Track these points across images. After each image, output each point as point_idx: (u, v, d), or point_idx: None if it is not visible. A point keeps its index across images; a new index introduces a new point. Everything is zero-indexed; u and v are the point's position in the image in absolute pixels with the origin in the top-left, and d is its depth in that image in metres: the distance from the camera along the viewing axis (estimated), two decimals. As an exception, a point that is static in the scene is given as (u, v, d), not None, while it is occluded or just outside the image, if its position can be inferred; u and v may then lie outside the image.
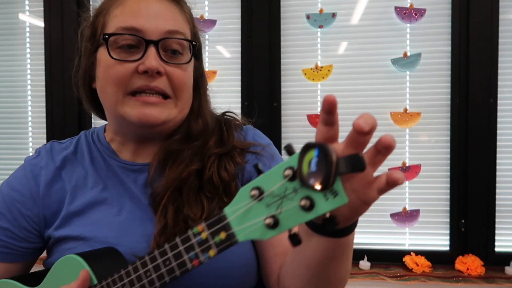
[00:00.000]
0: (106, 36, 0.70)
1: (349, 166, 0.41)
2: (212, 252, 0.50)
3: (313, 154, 0.42)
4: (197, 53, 0.80)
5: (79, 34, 0.80)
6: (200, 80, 0.81)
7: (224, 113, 0.86)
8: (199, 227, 0.51)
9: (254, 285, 0.77)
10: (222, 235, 0.49)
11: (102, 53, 0.73)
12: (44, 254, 0.84)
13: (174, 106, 0.73)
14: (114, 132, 0.81)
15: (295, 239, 0.45)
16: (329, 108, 0.45)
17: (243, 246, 0.74)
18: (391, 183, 0.44)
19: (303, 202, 0.43)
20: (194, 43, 0.74)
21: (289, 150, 0.46)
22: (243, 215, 0.48)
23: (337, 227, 0.48)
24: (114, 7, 0.73)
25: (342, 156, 0.42)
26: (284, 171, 0.44)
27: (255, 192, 0.46)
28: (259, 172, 0.48)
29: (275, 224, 0.45)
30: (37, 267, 1.12)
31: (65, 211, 0.75)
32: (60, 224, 0.75)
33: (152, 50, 0.69)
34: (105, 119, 0.84)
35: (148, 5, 0.71)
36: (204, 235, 0.51)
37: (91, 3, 2.00)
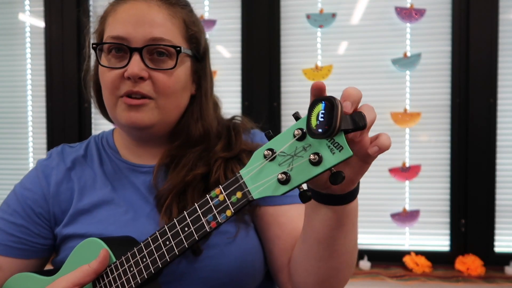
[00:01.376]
0: (94, 46, 0.75)
1: (351, 122, 0.45)
2: (229, 212, 0.53)
3: (320, 107, 0.45)
4: (197, 55, 0.80)
5: (87, 39, 0.84)
6: (201, 82, 0.81)
7: (232, 118, 0.87)
8: (216, 190, 0.55)
9: (260, 282, 0.78)
10: (238, 194, 0.52)
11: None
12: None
13: (155, 107, 0.74)
14: (122, 134, 0.84)
15: (305, 196, 0.48)
16: (318, 93, 0.49)
17: (250, 242, 0.75)
18: (382, 148, 0.48)
19: (312, 157, 0.46)
20: (178, 48, 0.74)
21: (297, 116, 0.49)
22: (257, 174, 0.51)
23: (342, 190, 0.53)
24: (109, 15, 0.77)
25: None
26: (294, 132, 0.48)
27: (267, 153, 0.50)
28: (271, 138, 0.51)
29: (287, 180, 0.48)
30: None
31: (73, 209, 0.78)
32: (67, 222, 0.78)
33: (135, 58, 0.72)
34: (111, 120, 0.87)
35: (137, 12, 0.73)
36: (221, 197, 0.54)
37: (91, 3, 2.00)
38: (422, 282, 1.66)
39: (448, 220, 1.80)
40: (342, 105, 0.44)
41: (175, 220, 0.58)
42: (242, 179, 0.52)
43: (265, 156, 0.50)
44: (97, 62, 0.76)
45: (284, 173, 0.48)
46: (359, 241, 1.90)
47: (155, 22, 0.73)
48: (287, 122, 1.88)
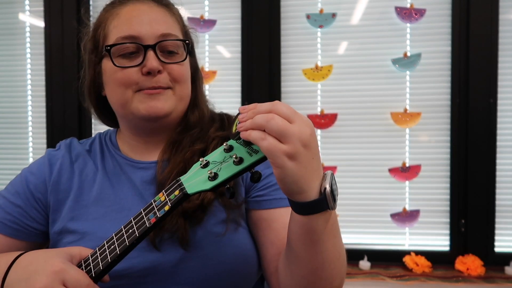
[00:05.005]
0: (108, 48, 0.77)
1: (235, 134, 0.59)
2: (167, 207, 0.60)
3: (236, 120, 0.59)
4: (190, 50, 0.85)
5: (82, 47, 0.88)
6: (195, 74, 0.88)
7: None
8: (160, 194, 0.62)
9: (253, 284, 0.79)
10: (176, 192, 0.60)
11: (106, 63, 0.80)
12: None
13: (172, 94, 0.80)
14: (125, 133, 0.87)
15: (255, 175, 0.58)
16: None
17: (240, 242, 0.75)
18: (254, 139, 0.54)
19: (234, 157, 0.57)
20: (187, 42, 0.81)
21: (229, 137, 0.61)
22: (193, 176, 0.60)
23: (299, 198, 0.57)
24: (111, 19, 0.80)
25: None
26: (224, 146, 0.59)
27: (202, 161, 0.60)
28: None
29: (215, 176, 0.58)
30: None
31: (70, 202, 0.80)
32: (64, 216, 0.79)
33: (151, 54, 0.76)
34: (111, 125, 0.92)
35: (141, 13, 0.78)
36: (163, 198, 0.61)
37: (91, 3, 2.00)
38: (422, 282, 1.66)
39: (448, 220, 1.80)
40: (238, 117, 0.58)
41: (122, 227, 0.62)
42: (180, 180, 0.61)
43: (200, 164, 0.60)
44: (110, 64, 0.78)
45: (214, 172, 0.58)
46: (360, 241, 1.90)
47: (160, 20, 0.79)
48: (287, 122, 1.87)
